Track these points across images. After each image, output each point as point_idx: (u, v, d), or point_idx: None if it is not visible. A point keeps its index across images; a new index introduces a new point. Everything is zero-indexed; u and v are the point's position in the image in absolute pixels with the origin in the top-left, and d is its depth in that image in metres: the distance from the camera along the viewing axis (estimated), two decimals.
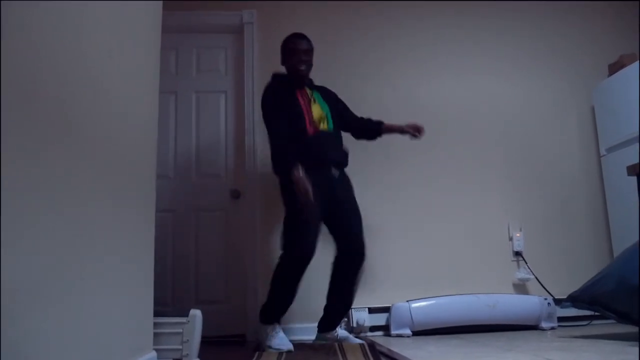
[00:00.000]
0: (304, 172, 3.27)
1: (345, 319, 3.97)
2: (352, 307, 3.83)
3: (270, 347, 3.32)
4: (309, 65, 3.70)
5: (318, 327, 3.62)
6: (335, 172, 3.56)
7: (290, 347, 3.27)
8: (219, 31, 4.70)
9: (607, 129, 4.38)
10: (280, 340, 3.35)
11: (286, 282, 3.40)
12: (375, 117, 3.87)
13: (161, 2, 2.72)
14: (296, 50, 3.64)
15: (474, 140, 4.57)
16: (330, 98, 3.79)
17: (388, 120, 3.97)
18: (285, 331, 3.96)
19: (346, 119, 3.82)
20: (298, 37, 3.70)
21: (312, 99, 3.65)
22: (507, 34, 4.79)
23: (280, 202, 3.52)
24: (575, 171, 4.62)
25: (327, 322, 3.60)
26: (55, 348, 1.39)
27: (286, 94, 3.60)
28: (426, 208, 4.41)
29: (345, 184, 3.63)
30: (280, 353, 3.18)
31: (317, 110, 3.61)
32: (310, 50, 3.69)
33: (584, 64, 4.78)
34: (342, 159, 3.65)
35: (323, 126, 3.58)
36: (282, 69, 3.73)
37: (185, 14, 4.54)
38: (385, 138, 4.17)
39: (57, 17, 1.46)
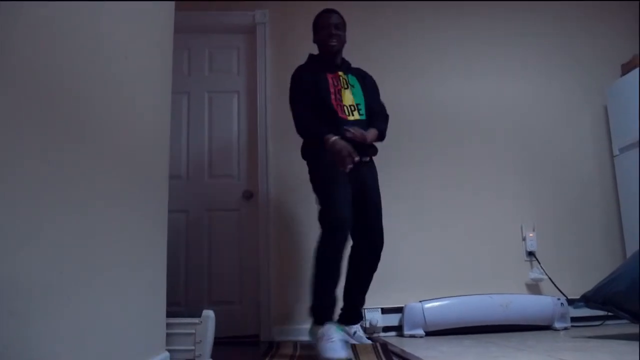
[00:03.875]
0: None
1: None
2: (365, 307, 3.80)
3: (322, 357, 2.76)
4: (341, 40, 3.51)
5: (340, 321, 3.38)
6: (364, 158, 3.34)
7: (343, 356, 2.72)
8: (232, 31, 4.71)
9: (621, 128, 4.35)
10: (331, 348, 2.76)
11: (327, 258, 2.99)
12: (389, 117, 3.80)
13: (173, 2, 2.74)
14: (326, 24, 3.47)
15: (487, 140, 4.56)
16: (366, 83, 3.58)
17: (403, 120, 3.98)
18: (298, 331, 3.95)
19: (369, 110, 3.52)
20: (328, 11, 3.54)
21: (344, 84, 3.44)
22: (520, 34, 4.77)
23: (292, 203, 3.47)
24: (589, 171, 4.60)
25: (353, 313, 3.52)
26: (68, 348, 1.40)
27: (315, 77, 3.39)
28: (439, 208, 4.41)
29: (372, 173, 3.48)
30: (293, 355, 3.12)
31: (349, 97, 3.41)
32: (341, 25, 3.51)
33: (597, 64, 4.75)
34: (367, 153, 3.42)
35: (353, 116, 3.37)
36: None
37: (198, 14, 4.56)
38: (399, 138, 4.19)
39: (75, 17, 1.48)
